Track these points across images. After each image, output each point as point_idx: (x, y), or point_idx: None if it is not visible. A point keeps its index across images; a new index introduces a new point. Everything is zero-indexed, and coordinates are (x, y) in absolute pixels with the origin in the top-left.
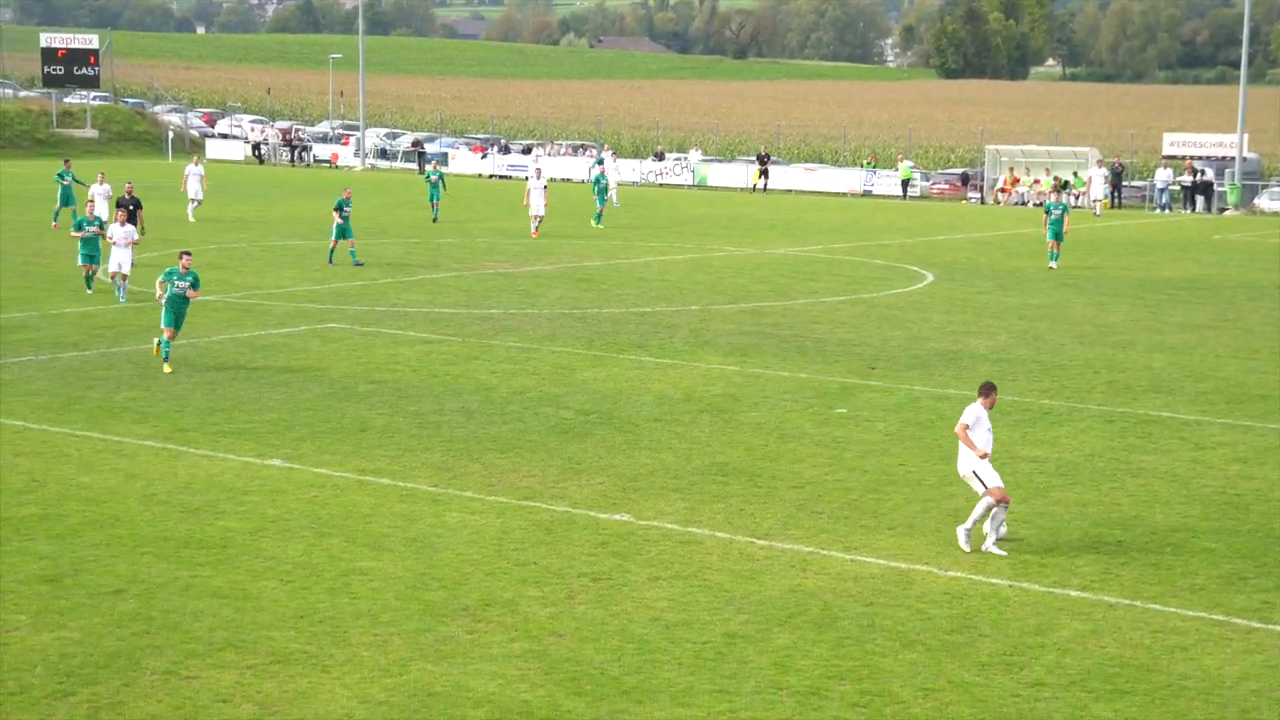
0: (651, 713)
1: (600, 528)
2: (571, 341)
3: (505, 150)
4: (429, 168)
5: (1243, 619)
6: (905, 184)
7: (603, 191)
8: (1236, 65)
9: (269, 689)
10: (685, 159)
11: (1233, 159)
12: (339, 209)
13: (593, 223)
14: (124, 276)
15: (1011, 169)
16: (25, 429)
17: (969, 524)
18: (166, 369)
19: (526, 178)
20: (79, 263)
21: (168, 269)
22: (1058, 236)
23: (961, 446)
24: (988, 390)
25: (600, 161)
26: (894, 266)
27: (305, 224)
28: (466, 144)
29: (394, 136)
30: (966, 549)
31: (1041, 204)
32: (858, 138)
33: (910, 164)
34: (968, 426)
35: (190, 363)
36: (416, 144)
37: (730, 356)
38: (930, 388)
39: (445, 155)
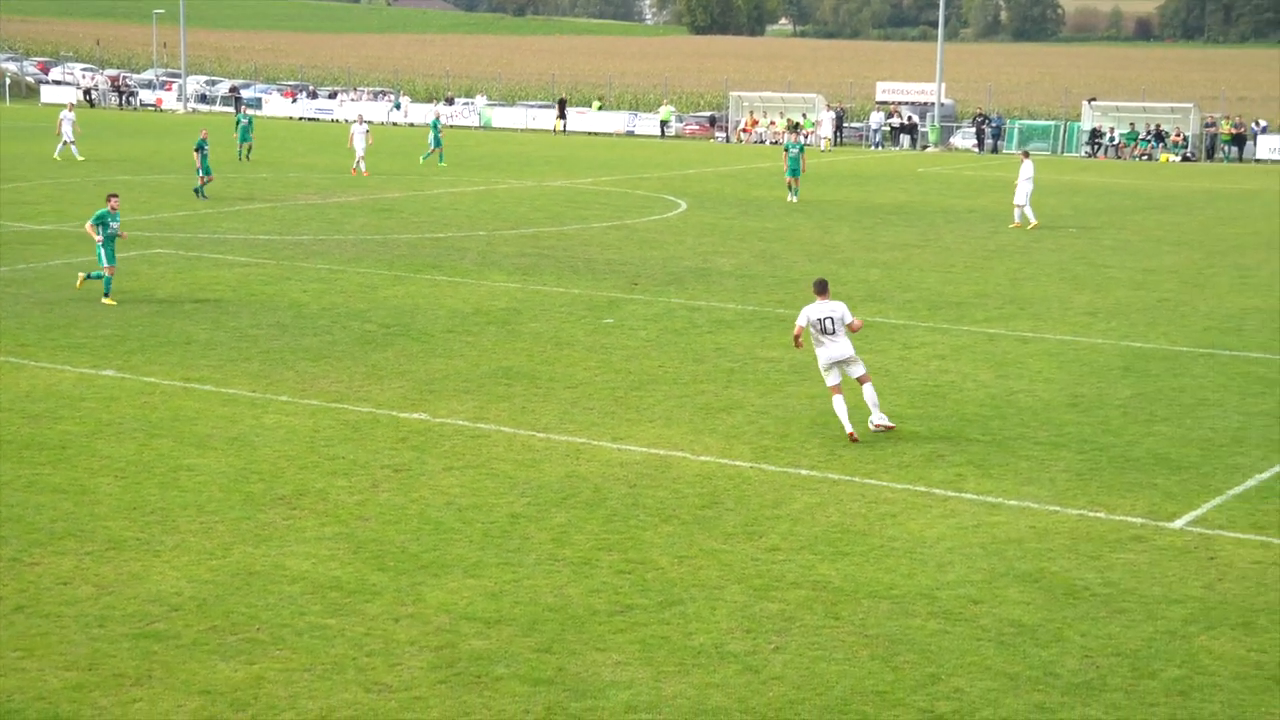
0: (446, 583)
1: (400, 425)
2: (374, 264)
3: (313, 96)
4: (240, 111)
5: (940, 489)
6: (664, 125)
7: (438, 135)
8: (935, 25)
9: (105, 572)
10: (472, 103)
11: (933, 104)
12: (199, 149)
13: (434, 162)
14: None
15: (751, 112)
16: None
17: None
18: (110, 301)
19: (350, 122)
20: None
21: (99, 211)
22: (795, 173)
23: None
24: (823, 286)
25: (398, 107)
26: (653, 196)
27: (133, 162)
28: (279, 90)
29: (213, 83)
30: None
31: (778, 142)
32: (621, 86)
33: (671, 108)
34: (802, 328)
35: (30, 285)
36: (234, 90)
37: (513, 275)
38: (684, 300)
39: (259, 100)
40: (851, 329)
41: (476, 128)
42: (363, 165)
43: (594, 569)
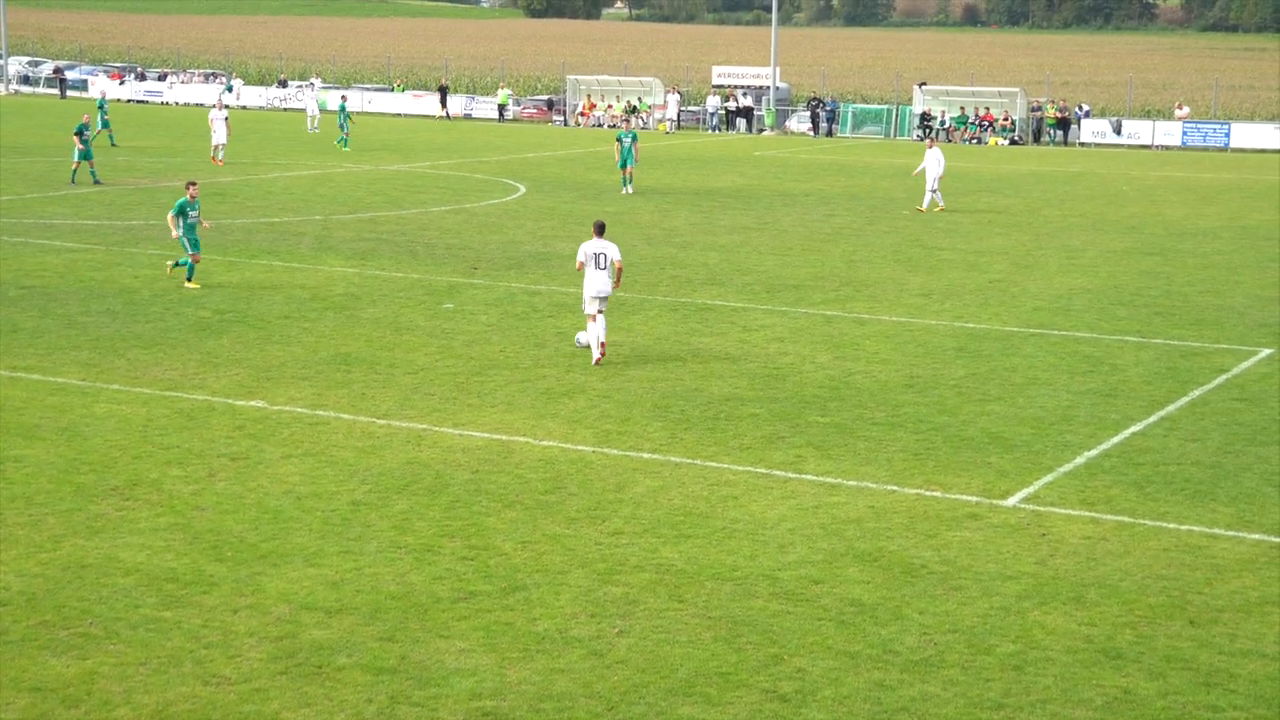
0: (286, 573)
1: (237, 413)
2: (208, 249)
3: (141, 78)
4: (100, 95)
5: (781, 471)
6: (502, 109)
7: (347, 118)
8: (769, 9)
9: None
10: (310, 86)
11: (768, 88)
12: (79, 133)
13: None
14: None
15: (589, 96)
16: None
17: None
18: (194, 286)
19: (210, 107)
20: None
21: (179, 201)
22: (628, 163)
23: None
24: (601, 228)
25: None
26: (492, 180)
27: None
28: (105, 71)
29: (36, 64)
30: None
31: (615, 125)
32: (457, 69)
33: (509, 91)
34: (582, 263)
35: None
36: (58, 71)
37: (351, 260)
38: (525, 284)
39: (85, 82)
40: (616, 267)
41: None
42: (221, 153)
43: (437, 556)
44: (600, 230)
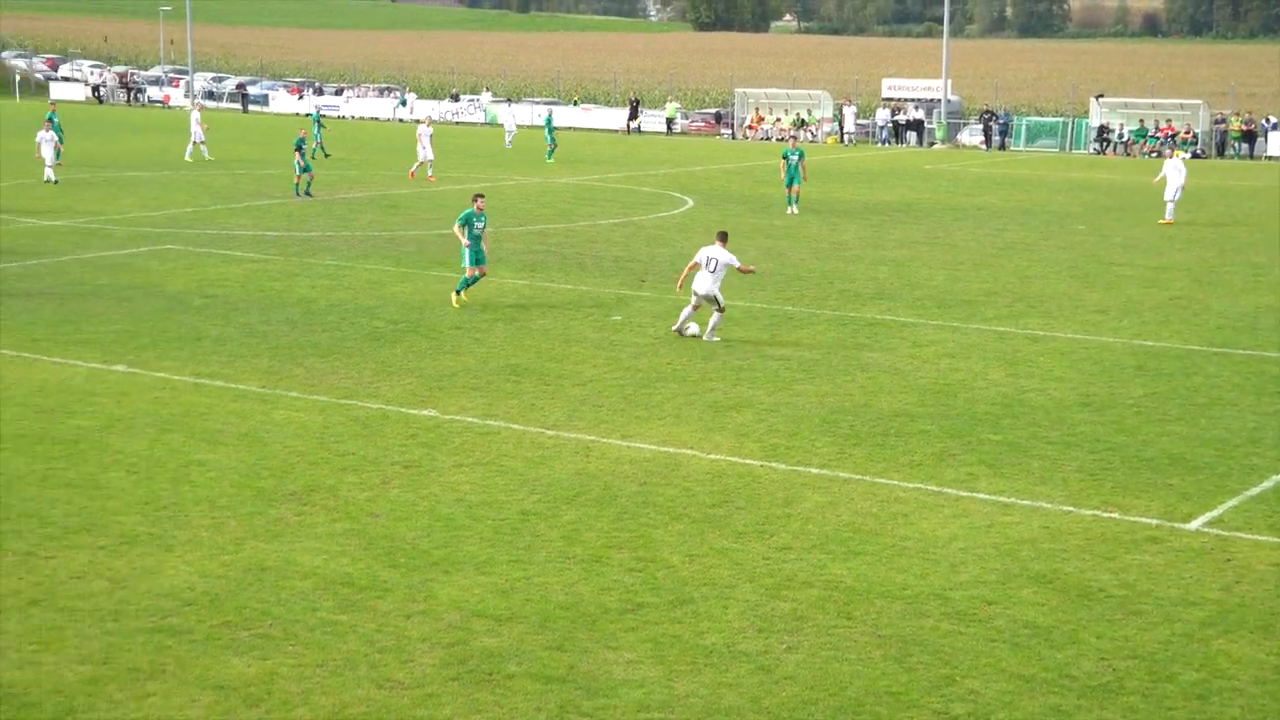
0: (457, 580)
1: (410, 422)
2: (382, 260)
3: (319, 92)
4: (315, 110)
5: (952, 489)
6: (670, 122)
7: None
8: (941, 21)
9: (119, 566)
10: (478, 100)
11: (939, 100)
12: (298, 148)
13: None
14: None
15: (757, 109)
16: None
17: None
18: (461, 300)
19: (418, 123)
20: None
21: (465, 212)
22: (794, 181)
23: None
24: (724, 237)
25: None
26: (660, 193)
27: (141, 157)
28: (285, 86)
29: (220, 80)
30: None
31: (784, 138)
32: (625, 83)
33: (677, 105)
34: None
35: (41, 280)
36: (240, 87)
37: (521, 272)
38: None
39: (266, 96)
40: (740, 270)
41: (482, 124)
42: (430, 169)
43: (605, 567)
44: (723, 239)
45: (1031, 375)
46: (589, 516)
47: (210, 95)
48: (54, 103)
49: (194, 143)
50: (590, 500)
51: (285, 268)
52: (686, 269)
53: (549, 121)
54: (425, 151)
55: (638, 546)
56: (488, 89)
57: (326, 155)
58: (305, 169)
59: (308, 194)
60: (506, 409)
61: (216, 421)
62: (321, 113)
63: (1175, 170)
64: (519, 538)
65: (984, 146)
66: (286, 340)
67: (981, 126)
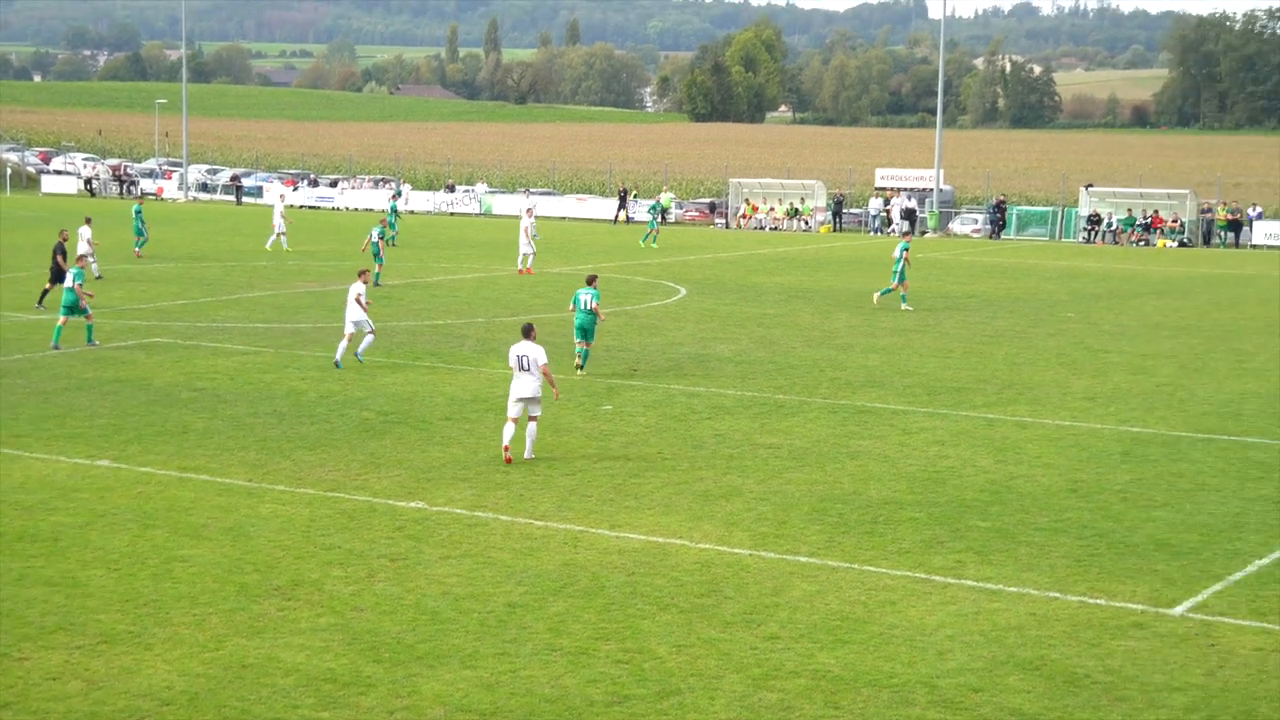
0: (442, 675)
1: (397, 514)
2: (373, 351)
3: (314, 184)
4: (393, 200)
5: (940, 576)
6: (664, 211)
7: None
8: (934, 112)
9: (96, 666)
10: (473, 191)
11: (932, 190)
12: (380, 237)
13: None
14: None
15: (749, 199)
16: None
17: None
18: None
19: (521, 215)
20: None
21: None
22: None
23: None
24: (527, 331)
25: (399, 194)
26: (653, 283)
27: (132, 249)
28: (279, 178)
29: (214, 172)
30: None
31: (778, 228)
32: (621, 173)
33: (671, 195)
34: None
35: (26, 375)
36: (234, 179)
37: None
38: (683, 386)
39: (260, 189)
40: (542, 370)
41: (477, 214)
42: (530, 261)
43: (591, 659)
44: (527, 333)
45: (1020, 462)
46: (576, 608)
47: (204, 187)
48: (141, 196)
49: (276, 234)
50: (578, 591)
51: (275, 360)
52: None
53: (655, 206)
54: (525, 244)
55: (625, 638)
56: (483, 180)
57: (393, 245)
58: (377, 257)
59: (376, 283)
60: (495, 500)
61: (201, 516)
62: (395, 204)
63: None
64: (505, 630)
65: (991, 235)
66: (274, 433)
67: (993, 215)
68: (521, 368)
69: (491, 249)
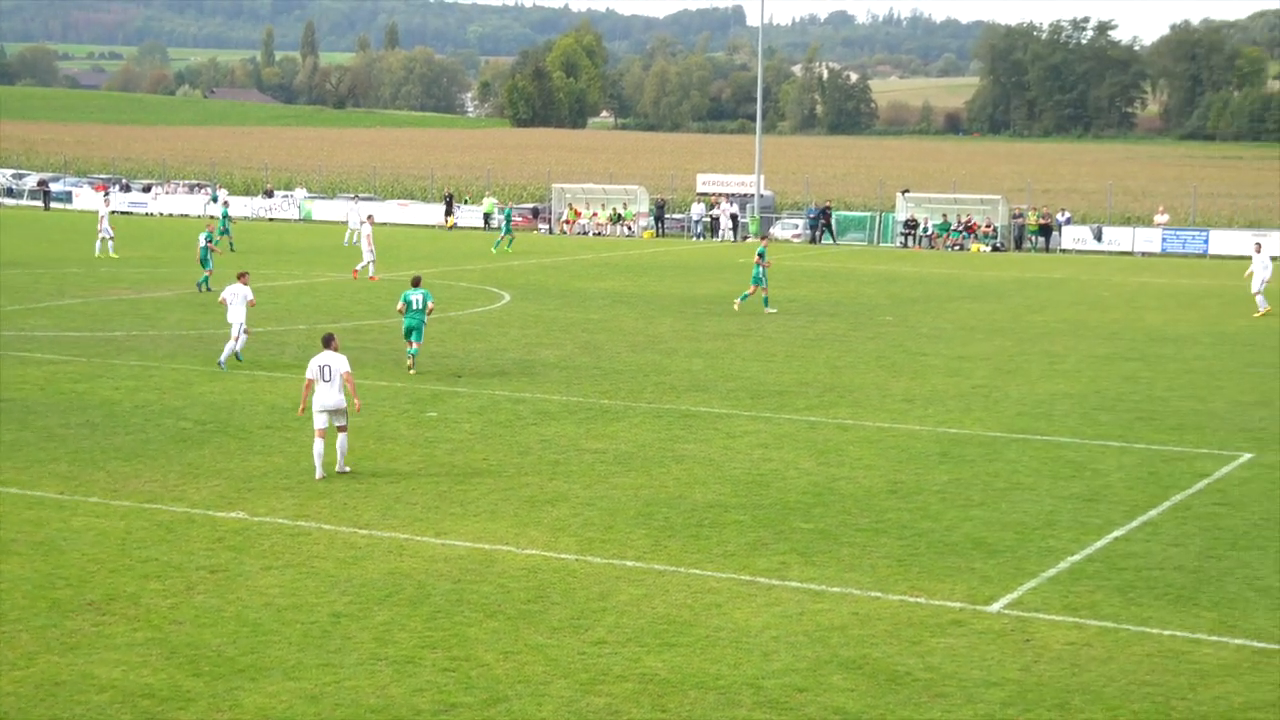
0: (264, 687)
1: (217, 525)
2: (190, 359)
3: (126, 189)
4: (225, 206)
5: (765, 578)
6: (487, 217)
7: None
8: (754, 118)
9: None
10: (292, 196)
11: (753, 195)
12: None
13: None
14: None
15: (572, 204)
16: None
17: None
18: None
19: (361, 223)
20: None
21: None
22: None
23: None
24: (327, 341)
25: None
26: (477, 288)
27: None
28: (90, 183)
29: (19, 176)
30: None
31: (600, 233)
32: (443, 178)
33: (494, 200)
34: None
35: None
36: (42, 183)
37: None
38: (509, 392)
39: (70, 194)
40: (345, 380)
41: (296, 220)
42: (373, 268)
43: (417, 668)
44: (328, 342)
45: (841, 464)
46: (402, 616)
47: (9, 193)
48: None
49: (102, 238)
50: (403, 600)
51: (87, 369)
52: (305, 388)
53: (508, 213)
54: (369, 252)
55: (451, 646)
56: (302, 185)
57: (233, 250)
58: (204, 262)
59: (206, 288)
60: (318, 509)
61: (9, 531)
62: (227, 209)
63: (1262, 265)
64: (329, 641)
65: (823, 241)
66: (87, 444)
67: (816, 220)
68: (323, 378)
69: (312, 255)
